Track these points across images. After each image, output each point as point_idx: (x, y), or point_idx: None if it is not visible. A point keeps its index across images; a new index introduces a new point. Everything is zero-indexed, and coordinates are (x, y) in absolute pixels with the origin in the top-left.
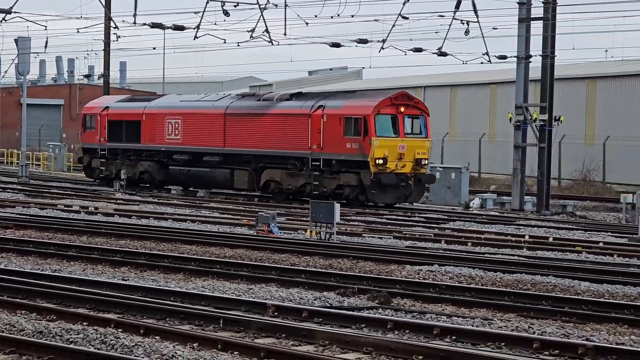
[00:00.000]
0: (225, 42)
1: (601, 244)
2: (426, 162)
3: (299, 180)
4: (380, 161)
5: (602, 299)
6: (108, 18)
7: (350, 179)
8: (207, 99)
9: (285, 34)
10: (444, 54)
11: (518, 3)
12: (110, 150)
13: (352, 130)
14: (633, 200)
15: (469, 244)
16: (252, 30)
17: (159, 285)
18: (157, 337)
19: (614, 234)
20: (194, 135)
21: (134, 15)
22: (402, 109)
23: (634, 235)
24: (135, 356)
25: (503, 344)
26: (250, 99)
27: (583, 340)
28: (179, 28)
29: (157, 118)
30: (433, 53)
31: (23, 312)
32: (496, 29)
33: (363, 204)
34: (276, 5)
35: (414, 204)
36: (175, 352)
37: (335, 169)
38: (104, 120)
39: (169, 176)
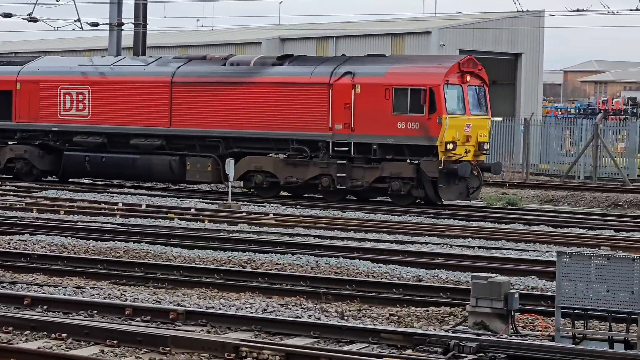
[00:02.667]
0: None
1: (193, 210)
2: (488, 146)
3: (309, 170)
4: (451, 146)
5: (193, 264)
6: None
7: (402, 169)
8: (131, 63)
9: None
10: (35, 20)
11: None
12: None
13: (407, 105)
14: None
15: (62, 212)
16: None
17: None
18: None
19: (206, 200)
20: (113, 111)
21: None
22: (468, 78)
23: (224, 201)
24: None
25: (95, 311)
26: (209, 64)
27: (174, 305)
28: None
29: (43, 87)
30: (23, 19)
31: None
32: None
33: (415, 201)
34: None
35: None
36: None
37: (377, 157)
38: None
39: (59, 164)
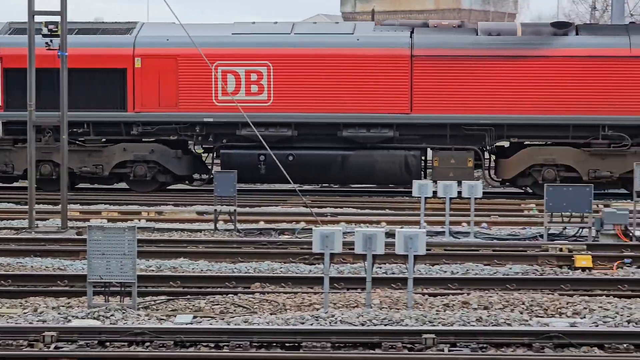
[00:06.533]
0: None
1: None
2: None
3: (627, 163)
4: None
5: None
6: None
7: None
8: (327, 31)
9: None
10: None
11: None
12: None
13: None
14: None
15: None
16: None
17: None
18: None
19: None
20: (309, 94)
21: None
22: None
23: None
24: None
25: None
26: (456, 33)
27: None
28: None
29: (184, 64)
30: None
31: None
32: None
33: None
34: None
35: None
36: None
37: None
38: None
39: (204, 167)
